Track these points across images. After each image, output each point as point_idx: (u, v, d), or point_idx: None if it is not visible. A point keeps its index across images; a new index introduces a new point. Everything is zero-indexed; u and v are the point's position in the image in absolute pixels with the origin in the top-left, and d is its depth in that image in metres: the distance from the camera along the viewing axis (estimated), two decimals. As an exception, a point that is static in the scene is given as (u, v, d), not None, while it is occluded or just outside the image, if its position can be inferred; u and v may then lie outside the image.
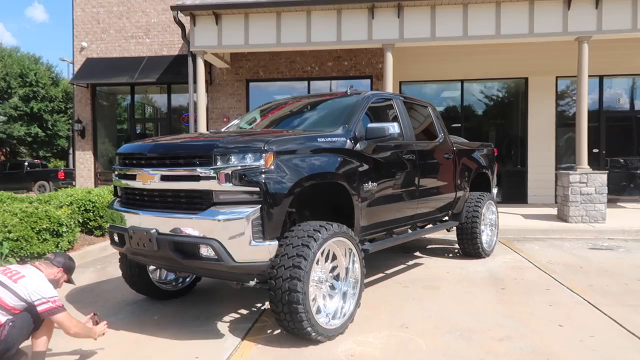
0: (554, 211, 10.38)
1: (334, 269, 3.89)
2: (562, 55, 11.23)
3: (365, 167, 4.36)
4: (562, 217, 9.37)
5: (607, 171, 9.28)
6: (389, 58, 9.83)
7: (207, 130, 11.19)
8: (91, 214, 7.42)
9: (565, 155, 12.27)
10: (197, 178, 3.48)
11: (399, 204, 4.93)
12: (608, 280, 5.37)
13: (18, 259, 5.67)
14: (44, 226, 5.91)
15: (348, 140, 4.27)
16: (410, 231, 5.55)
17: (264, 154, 3.48)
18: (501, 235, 7.77)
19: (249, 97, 12.81)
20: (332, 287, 3.87)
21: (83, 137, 13.51)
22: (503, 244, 7.57)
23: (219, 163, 3.44)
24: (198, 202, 3.54)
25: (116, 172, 4.16)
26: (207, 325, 4.07)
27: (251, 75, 12.68)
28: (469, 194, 6.49)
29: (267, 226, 3.44)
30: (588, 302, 4.60)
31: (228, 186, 3.41)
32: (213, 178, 3.42)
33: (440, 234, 7.76)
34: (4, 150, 33.12)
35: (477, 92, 12.69)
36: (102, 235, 7.57)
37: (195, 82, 10.55)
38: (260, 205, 3.42)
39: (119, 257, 4.67)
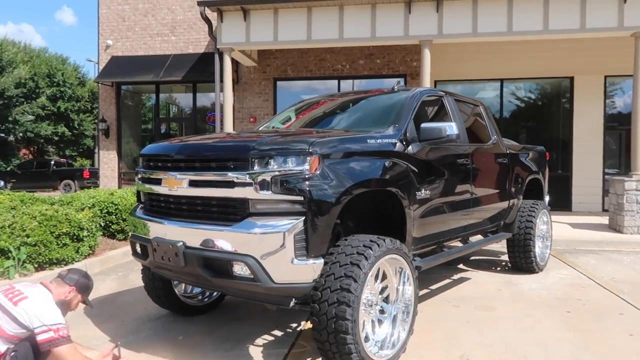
0: (603, 220, 9.65)
1: (383, 289, 3.37)
2: (612, 53, 10.47)
3: (419, 172, 3.83)
4: (614, 227, 8.65)
5: (667, 178, 8.51)
6: (427, 55, 9.27)
7: (234, 130, 10.79)
8: (114, 216, 7.06)
9: (612, 160, 11.47)
10: (231, 184, 3.01)
11: (452, 214, 4.39)
12: (688, 303, 4.72)
13: (36, 265, 5.32)
14: (64, 230, 5.53)
15: (399, 142, 3.75)
16: (460, 244, 4.99)
17: (308, 157, 2.99)
18: (551, 247, 7.12)
19: (277, 96, 12.37)
20: (382, 311, 3.35)
21: (107, 137, 13.28)
22: (554, 256, 6.92)
23: (256, 167, 2.96)
24: (232, 212, 3.06)
25: (139, 176, 3.72)
26: (238, 349, 3.60)
27: (279, 73, 12.24)
28: (521, 202, 5.89)
29: (312, 241, 2.95)
30: (674, 331, 3.97)
31: (267, 194, 2.93)
32: (249, 184, 2.95)
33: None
34: (31, 149, 33.51)
35: (517, 92, 11.99)
36: (125, 239, 7.20)
37: (222, 80, 10.17)
38: (304, 217, 2.93)
39: (142, 266, 4.25)
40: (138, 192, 3.86)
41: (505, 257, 6.80)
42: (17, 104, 28.18)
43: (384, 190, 3.50)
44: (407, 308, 3.46)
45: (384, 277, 3.34)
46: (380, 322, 3.34)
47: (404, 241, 3.69)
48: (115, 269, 6.19)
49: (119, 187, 12.56)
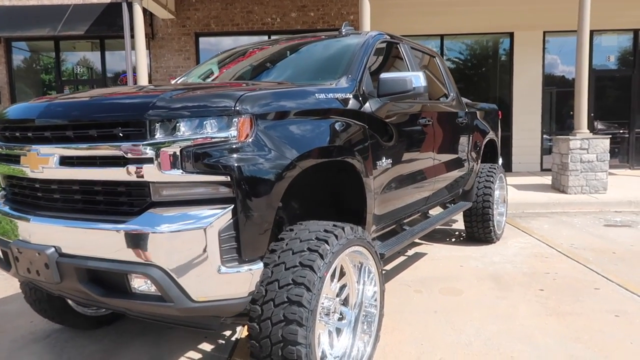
0: (544, 180, 9.48)
1: (341, 289, 2.57)
2: (551, 7, 10.13)
3: (380, 135, 3.03)
4: (558, 187, 8.44)
5: (610, 136, 8.36)
6: (366, 6, 8.37)
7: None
8: None
9: (552, 119, 11.37)
10: (121, 161, 2.03)
11: (416, 185, 3.66)
12: (659, 271, 4.37)
13: None
14: None
15: (354, 98, 2.90)
16: (420, 219, 4.31)
17: (235, 119, 2.06)
18: (503, 212, 6.71)
19: (199, 54, 11.04)
20: (341, 318, 2.57)
21: None
22: (507, 222, 6.50)
23: (158, 135, 2.00)
24: (125, 202, 2.10)
25: (-5, 151, 2.62)
26: (154, 379, 2.70)
27: (201, 27, 10.88)
28: (479, 166, 5.30)
29: (246, 239, 2.06)
30: (660, 308, 3.54)
31: (176, 174, 1.99)
32: (149, 161, 1.98)
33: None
34: None
35: (458, 49, 11.48)
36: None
37: (132, 35, 8.73)
38: (232, 205, 2.03)
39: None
40: (-5, 175, 2.76)
41: (457, 226, 6.32)
42: None
43: (339, 160, 2.66)
44: (370, 317, 2.69)
45: (342, 274, 2.55)
46: (338, 331, 2.57)
47: (362, 224, 2.91)
48: (1, 266, 4.97)
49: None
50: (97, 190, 2.14)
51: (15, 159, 2.37)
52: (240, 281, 2.08)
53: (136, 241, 1.97)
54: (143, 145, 1.98)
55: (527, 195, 8.04)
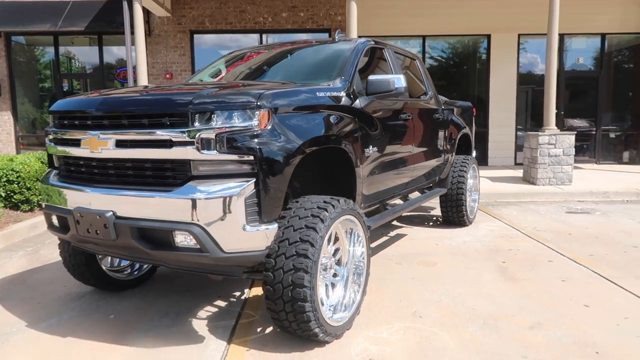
0: (517, 173, 10.22)
1: (335, 252, 3.19)
2: (525, 11, 10.86)
3: (367, 127, 3.64)
4: (528, 179, 9.18)
5: (575, 132, 9.11)
6: (353, 8, 8.99)
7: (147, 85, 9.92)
8: (15, 185, 6.22)
9: (522, 116, 12.13)
10: (168, 144, 2.62)
11: (397, 171, 4.29)
12: (605, 249, 5.06)
13: None
14: (-45, 203, 4.75)
15: (346, 95, 3.51)
16: (401, 202, 4.95)
17: (257, 112, 2.66)
18: (476, 200, 7.40)
19: (194, 50, 11.54)
20: (335, 275, 3.19)
21: (-1, 95, 11.72)
22: (480, 209, 7.18)
23: (197, 124, 2.59)
24: (170, 176, 2.69)
25: (51, 137, 3.17)
26: (180, 325, 3.28)
27: (196, 25, 11.37)
28: (454, 157, 5.97)
29: (265, 205, 2.67)
30: (599, 275, 4.23)
31: (211, 154, 2.59)
32: (190, 144, 2.58)
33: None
34: None
35: (439, 50, 12.17)
36: (31, 210, 6.42)
37: (132, 32, 9.21)
38: (254, 179, 2.63)
39: (59, 241, 3.74)
40: (50, 156, 3.31)
41: (435, 212, 6.99)
42: None
43: (334, 147, 3.27)
44: (359, 270, 3.32)
45: (336, 239, 3.16)
46: (333, 285, 3.18)
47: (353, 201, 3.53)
48: (23, 244, 5.49)
49: (17, 153, 11.23)
50: (147, 167, 2.73)
51: (75, 142, 2.94)
52: (259, 237, 2.69)
53: (181, 205, 2.56)
54: (186, 131, 2.57)
55: (499, 186, 8.76)
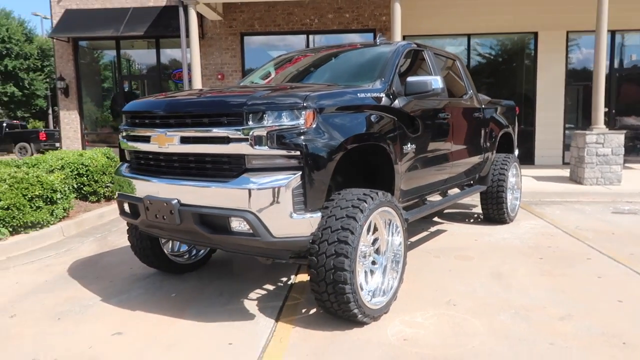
0: (564, 173, 10.09)
1: (374, 241, 3.46)
2: (574, 8, 10.67)
3: (406, 126, 3.88)
4: (575, 179, 9.08)
5: (625, 131, 8.92)
6: (397, 9, 9.17)
7: (202, 87, 10.49)
8: (85, 178, 6.85)
9: (574, 115, 11.90)
10: (225, 140, 2.98)
11: (435, 168, 4.50)
12: (647, 247, 5.07)
13: (10, 229, 5.15)
14: (37, 193, 5.35)
15: (386, 96, 3.77)
16: (440, 197, 5.14)
17: (303, 112, 2.97)
18: (519, 199, 7.44)
19: (244, 52, 12.05)
20: (373, 262, 3.46)
21: (67, 96, 12.66)
22: (522, 208, 7.22)
23: (250, 122, 2.93)
24: (227, 169, 3.04)
25: (123, 134, 3.61)
26: (233, 304, 3.65)
27: (246, 28, 11.88)
28: (494, 155, 6.08)
29: (310, 196, 2.98)
30: (637, 272, 4.29)
31: (263, 150, 2.92)
32: (245, 140, 2.92)
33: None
34: (-22, 110, 31.69)
35: (484, 48, 12.12)
36: (98, 201, 7.04)
37: (188, 35, 9.79)
38: (300, 172, 2.94)
39: (127, 227, 4.20)
40: (122, 151, 3.76)
41: (477, 210, 7.09)
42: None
43: (374, 144, 3.54)
44: (397, 258, 3.58)
45: (375, 229, 3.43)
46: (372, 272, 3.45)
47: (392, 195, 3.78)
48: (92, 231, 6.07)
49: (83, 149, 12.12)
50: (207, 160, 3.10)
51: (145, 139, 3.35)
52: (305, 225, 3.00)
53: (236, 195, 2.91)
54: (241, 129, 2.92)
55: (545, 185, 8.72)
